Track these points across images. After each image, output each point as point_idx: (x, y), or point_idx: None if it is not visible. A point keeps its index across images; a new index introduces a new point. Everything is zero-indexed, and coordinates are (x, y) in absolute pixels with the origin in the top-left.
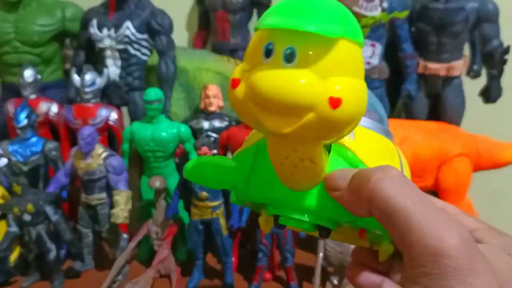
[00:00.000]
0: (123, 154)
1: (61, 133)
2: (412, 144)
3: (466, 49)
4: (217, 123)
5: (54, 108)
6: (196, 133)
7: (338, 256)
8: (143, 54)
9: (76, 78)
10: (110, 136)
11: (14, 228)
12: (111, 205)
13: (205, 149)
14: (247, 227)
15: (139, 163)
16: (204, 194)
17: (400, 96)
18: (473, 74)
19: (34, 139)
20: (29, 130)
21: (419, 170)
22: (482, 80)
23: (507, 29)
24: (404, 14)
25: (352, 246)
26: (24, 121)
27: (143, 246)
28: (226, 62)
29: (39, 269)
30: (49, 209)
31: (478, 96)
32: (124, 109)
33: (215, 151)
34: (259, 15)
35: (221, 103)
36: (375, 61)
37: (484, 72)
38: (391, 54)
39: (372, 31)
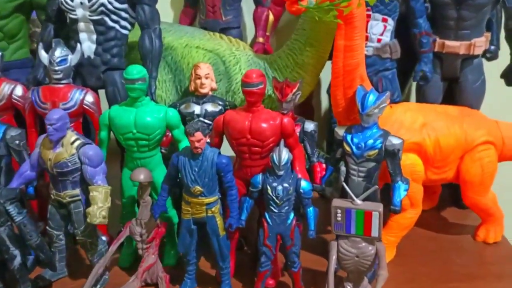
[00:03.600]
0: (101, 143)
1: (27, 119)
2: (433, 131)
3: None
4: (209, 108)
5: (18, 91)
6: (186, 119)
7: (354, 260)
8: (123, 27)
9: (43, 54)
10: (86, 124)
11: None
12: (87, 203)
13: (199, 135)
14: (247, 227)
15: (120, 154)
16: (198, 188)
17: (412, 79)
18: (490, 55)
19: None
20: None
21: (440, 160)
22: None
23: None
24: None
25: (372, 251)
26: None
27: (125, 250)
28: (219, 39)
29: (2, 279)
30: (12, 208)
31: (500, 78)
32: (102, 93)
33: (208, 140)
34: None
35: (214, 85)
36: (387, 38)
37: (503, 52)
38: (402, 31)
39: (384, 4)
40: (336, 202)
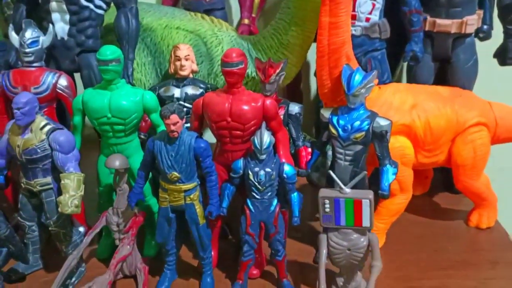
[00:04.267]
0: (75, 129)
1: None
2: (423, 112)
3: None
4: (190, 91)
5: None
6: (165, 103)
7: (346, 253)
8: (98, 6)
9: (14, 36)
10: (62, 110)
11: None
12: (59, 192)
13: (175, 117)
14: (232, 214)
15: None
16: (175, 174)
17: (401, 59)
18: (483, 35)
19: None
20: None
21: (431, 143)
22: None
23: None
24: None
25: (364, 243)
26: None
27: (104, 241)
28: (201, 19)
29: None
30: None
31: (492, 58)
32: (78, 77)
33: (187, 124)
34: None
35: (195, 67)
36: (376, 17)
37: (496, 31)
38: (392, 10)
39: None
40: (324, 192)
